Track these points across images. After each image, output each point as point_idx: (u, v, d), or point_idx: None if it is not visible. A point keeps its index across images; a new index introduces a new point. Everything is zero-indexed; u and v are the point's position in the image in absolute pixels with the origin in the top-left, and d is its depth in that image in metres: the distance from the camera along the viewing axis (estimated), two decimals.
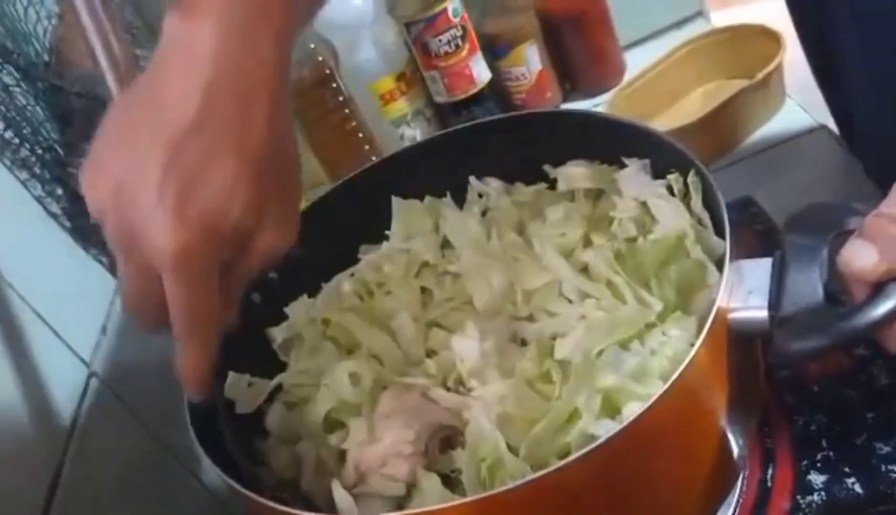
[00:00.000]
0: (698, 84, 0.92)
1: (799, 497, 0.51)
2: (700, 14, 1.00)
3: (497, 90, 0.98)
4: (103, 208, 0.38)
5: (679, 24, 1.00)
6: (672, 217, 0.50)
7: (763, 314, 0.40)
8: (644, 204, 0.51)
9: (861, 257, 0.37)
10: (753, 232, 0.67)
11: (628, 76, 0.94)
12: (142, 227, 0.37)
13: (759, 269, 0.42)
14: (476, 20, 0.95)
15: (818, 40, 0.64)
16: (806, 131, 0.80)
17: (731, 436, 0.45)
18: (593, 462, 0.38)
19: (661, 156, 0.52)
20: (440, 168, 0.62)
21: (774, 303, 0.40)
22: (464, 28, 0.92)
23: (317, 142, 0.93)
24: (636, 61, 0.95)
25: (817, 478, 0.51)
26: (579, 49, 0.97)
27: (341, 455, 0.48)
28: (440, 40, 0.91)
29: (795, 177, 0.76)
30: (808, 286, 0.39)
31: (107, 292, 0.67)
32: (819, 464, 0.52)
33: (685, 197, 0.51)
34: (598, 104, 0.95)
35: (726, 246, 0.43)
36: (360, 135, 0.93)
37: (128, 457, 0.60)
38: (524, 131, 0.60)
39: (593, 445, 0.37)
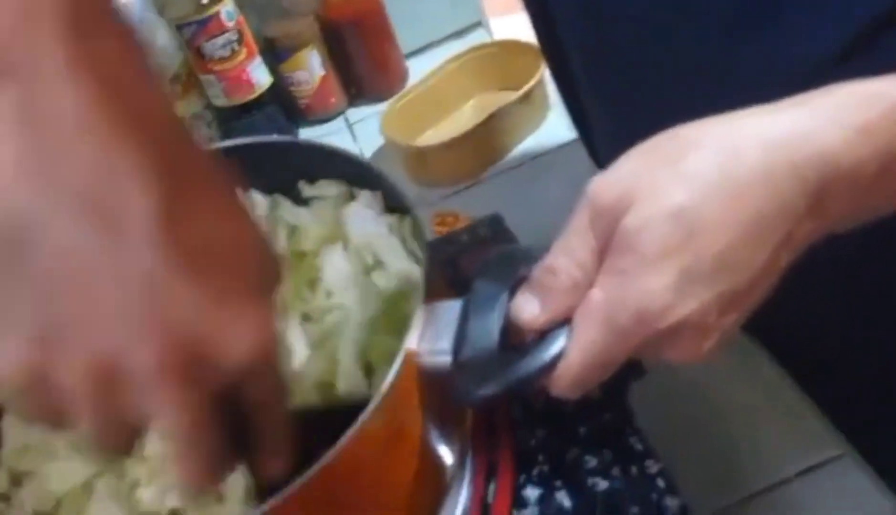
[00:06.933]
0: (472, 94, 0.94)
1: (515, 512, 0.54)
2: (479, 24, 1.03)
3: (281, 95, 0.97)
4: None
5: (459, 34, 1.02)
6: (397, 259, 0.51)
7: (445, 359, 0.42)
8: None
9: (525, 309, 0.39)
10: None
11: (410, 83, 0.96)
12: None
13: (450, 312, 0.43)
14: (255, 24, 0.93)
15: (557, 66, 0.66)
16: (562, 145, 0.84)
17: (440, 454, 0.46)
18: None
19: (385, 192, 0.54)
20: None
21: (456, 348, 0.42)
22: (240, 32, 0.90)
23: None
24: (419, 69, 0.97)
25: (532, 492, 0.54)
26: (362, 55, 0.98)
27: None
28: (214, 44, 0.89)
29: (549, 191, 0.78)
30: (485, 331, 0.41)
31: None
32: (535, 479, 0.54)
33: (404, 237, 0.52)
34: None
35: (421, 287, 0.45)
36: None
37: None
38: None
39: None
